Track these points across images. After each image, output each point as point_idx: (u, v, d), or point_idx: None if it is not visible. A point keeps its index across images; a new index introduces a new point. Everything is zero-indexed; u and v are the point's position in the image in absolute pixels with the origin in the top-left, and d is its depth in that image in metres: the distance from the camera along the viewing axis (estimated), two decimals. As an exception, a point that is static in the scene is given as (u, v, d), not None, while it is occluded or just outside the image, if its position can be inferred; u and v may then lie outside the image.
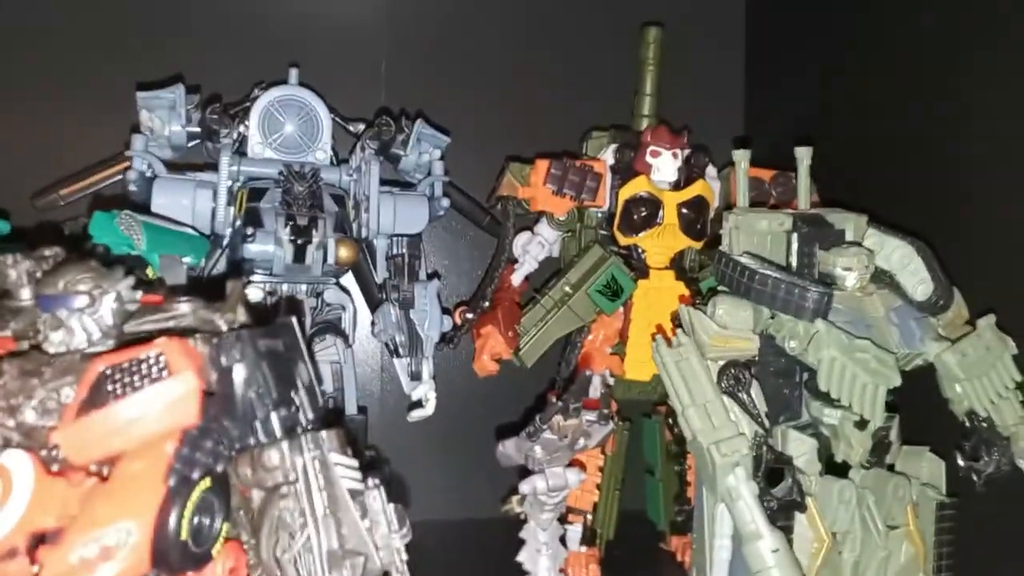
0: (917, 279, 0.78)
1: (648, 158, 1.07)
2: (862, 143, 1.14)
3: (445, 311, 1.01)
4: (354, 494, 0.52)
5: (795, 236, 0.81)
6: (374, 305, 1.00)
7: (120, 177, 0.96)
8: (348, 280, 1.03)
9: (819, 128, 1.22)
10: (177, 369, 0.49)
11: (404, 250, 0.98)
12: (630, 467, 1.17)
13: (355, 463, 0.53)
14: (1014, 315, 0.79)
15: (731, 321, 0.76)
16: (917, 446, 0.84)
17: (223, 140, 0.93)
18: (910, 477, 0.79)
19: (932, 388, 0.81)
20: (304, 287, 0.96)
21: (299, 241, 0.88)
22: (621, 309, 1.07)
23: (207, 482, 0.51)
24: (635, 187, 1.05)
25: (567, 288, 1.06)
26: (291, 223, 0.88)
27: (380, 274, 0.98)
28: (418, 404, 0.97)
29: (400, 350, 0.95)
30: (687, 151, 1.08)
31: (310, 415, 0.53)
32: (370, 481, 0.52)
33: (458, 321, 1.03)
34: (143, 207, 0.88)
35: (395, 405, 1.20)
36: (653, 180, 1.06)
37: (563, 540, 0.94)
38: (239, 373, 0.50)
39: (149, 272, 0.68)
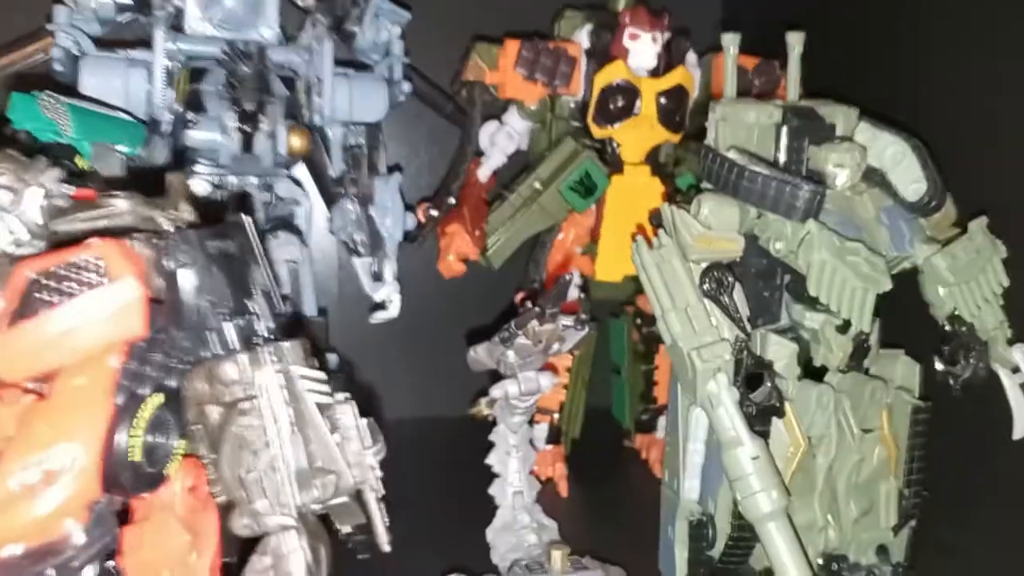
0: (910, 178, 0.74)
1: (626, 42, 1.00)
2: (849, 29, 1.08)
3: (408, 207, 0.95)
4: (322, 408, 0.47)
5: (784, 130, 0.76)
6: (330, 200, 0.93)
7: (42, 55, 0.86)
8: (302, 172, 0.95)
9: (803, 11, 1.16)
10: (118, 274, 0.43)
11: (362, 140, 0.90)
12: (595, 366, 1.16)
13: (321, 375, 0.48)
14: (1007, 215, 0.77)
15: (716, 221, 0.71)
16: (892, 349, 0.82)
17: (156, 13, 0.83)
18: (886, 380, 0.78)
19: (908, 290, 0.79)
20: (254, 179, 0.88)
21: (246, 128, 0.80)
22: (593, 207, 1.03)
23: (159, 398, 0.46)
24: (612, 73, 0.99)
25: (537, 184, 1.01)
26: (237, 108, 0.80)
27: (336, 167, 0.91)
28: (381, 306, 0.93)
29: (361, 249, 0.89)
30: (667, 35, 1.02)
31: (269, 323, 0.49)
32: (340, 395, 0.48)
33: (422, 219, 0.97)
34: (70, 89, 0.79)
35: (354, 305, 1.15)
36: (630, 66, 1.00)
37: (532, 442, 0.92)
38: (188, 279, 0.44)
39: (79, 162, 0.60)
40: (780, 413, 0.72)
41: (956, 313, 0.77)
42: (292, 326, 0.50)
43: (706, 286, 0.71)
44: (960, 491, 0.85)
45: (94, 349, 0.44)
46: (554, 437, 1.10)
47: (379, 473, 0.48)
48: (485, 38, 1.01)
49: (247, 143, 0.81)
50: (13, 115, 0.60)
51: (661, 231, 0.73)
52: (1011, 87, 0.84)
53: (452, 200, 0.97)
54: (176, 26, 0.88)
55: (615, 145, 1.02)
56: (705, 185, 0.77)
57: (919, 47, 0.98)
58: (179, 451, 0.48)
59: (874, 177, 0.76)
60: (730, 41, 0.81)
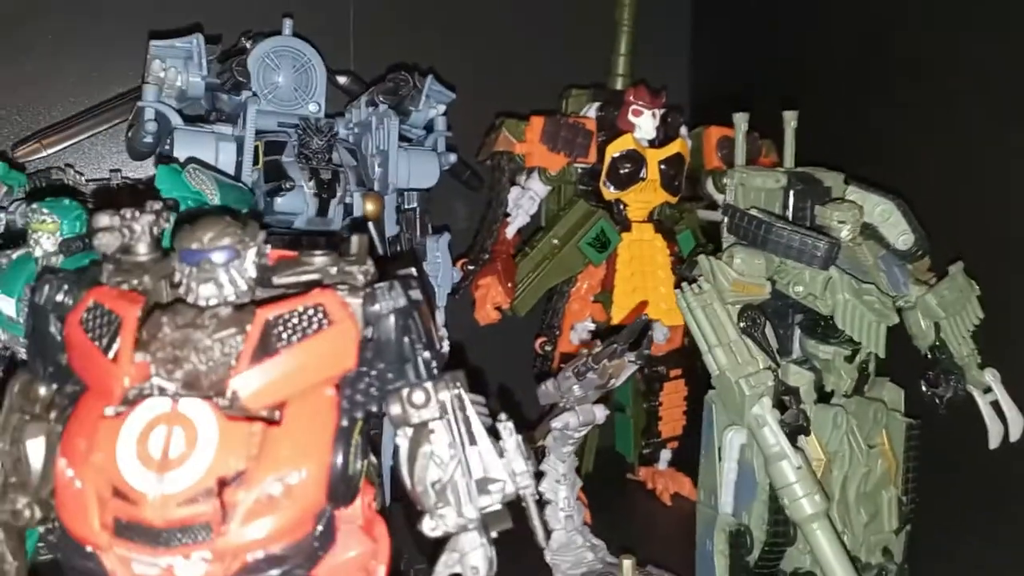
0: (899, 231, 0.89)
1: (631, 117, 1.14)
2: (806, 96, 1.24)
3: (449, 263, 1.05)
4: (487, 426, 0.56)
5: (792, 193, 0.90)
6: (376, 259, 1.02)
7: (118, 122, 0.94)
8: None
9: (757, 88, 1.32)
10: (338, 318, 0.52)
11: (415, 204, 1.00)
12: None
13: (482, 399, 0.57)
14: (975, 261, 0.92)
15: (747, 269, 0.84)
16: (879, 377, 0.96)
17: (244, 92, 0.92)
18: (885, 402, 0.92)
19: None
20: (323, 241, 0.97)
21: (324, 195, 0.89)
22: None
23: (361, 423, 0.54)
24: (622, 144, 1.12)
25: (555, 241, 1.13)
26: (315, 177, 0.89)
27: (390, 228, 1.00)
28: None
29: (415, 303, 0.98)
30: (663, 111, 1.16)
31: (438, 358, 0.58)
32: (502, 415, 0.57)
33: (461, 273, 1.07)
34: (162, 159, 0.87)
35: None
36: (636, 138, 1.13)
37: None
38: (397, 320, 0.53)
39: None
40: (807, 432, 0.84)
41: (937, 343, 0.92)
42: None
43: (743, 324, 0.83)
44: (947, 497, 0.99)
45: (318, 382, 0.52)
46: (570, 473, 1.19)
47: (534, 481, 0.58)
48: (508, 114, 1.13)
49: (323, 208, 0.90)
50: (161, 185, 0.68)
51: (701, 278, 0.85)
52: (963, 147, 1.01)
53: (486, 256, 1.08)
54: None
55: (622, 206, 1.15)
56: (727, 239, 0.91)
57: (880, 112, 1.14)
58: (363, 470, 0.56)
59: (867, 231, 0.91)
60: (740, 119, 0.96)
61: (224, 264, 0.53)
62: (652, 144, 1.15)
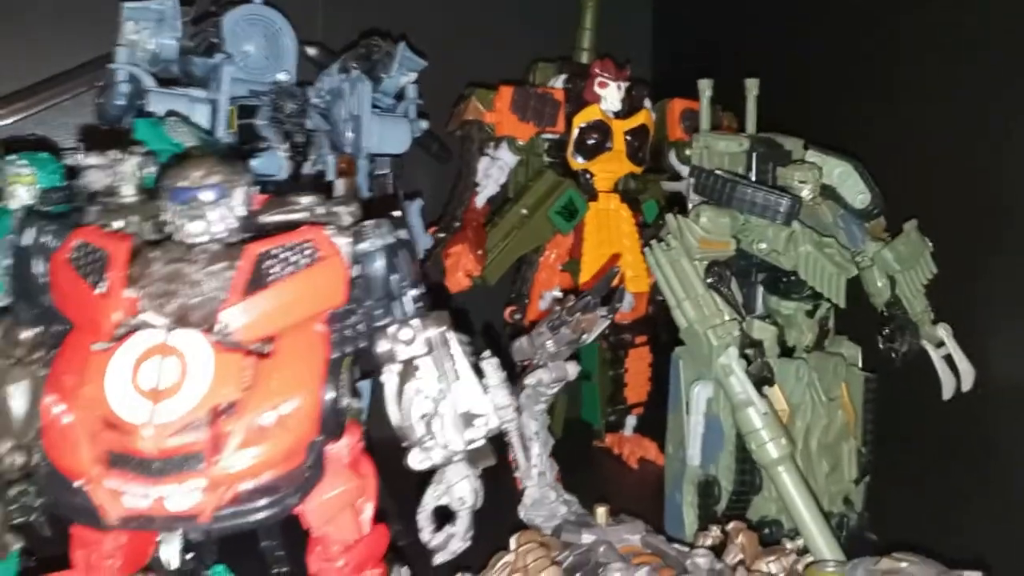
0: (856, 191, 0.93)
1: (596, 88, 1.16)
2: (766, 70, 1.27)
3: (417, 230, 1.06)
4: (471, 364, 0.58)
5: (754, 156, 0.93)
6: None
7: (85, 89, 0.93)
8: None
9: (723, 54, 1.35)
10: (328, 253, 0.53)
11: (387, 169, 1.01)
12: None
13: (467, 337, 0.59)
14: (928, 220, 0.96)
15: (714, 227, 0.87)
16: (838, 335, 1.00)
17: (218, 55, 0.92)
18: (844, 356, 0.95)
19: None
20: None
21: (297, 158, 0.90)
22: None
23: (350, 359, 0.55)
24: (589, 115, 1.14)
25: (524, 211, 1.14)
26: (289, 140, 0.90)
27: (363, 193, 1.01)
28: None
29: (387, 268, 0.99)
30: (628, 83, 1.19)
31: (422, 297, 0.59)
32: (486, 352, 0.59)
33: (432, 240, 1.08)
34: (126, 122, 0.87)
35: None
36: (602, 109, 1.16)
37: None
38: (383, 258, 0.55)
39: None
40: (771, 382, 0.87)
41: (892, 300, 0.95)
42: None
43: (710, 279, 0.86)
44: (904, 447, 1.03)
45: (308, 316, 0.53)
46: (538, 438, 1.21)
47: (516, 416, 0.59)
48: (478, 84, 1.15)
49: (296, 172, 0.91)
50: (141, 137, 0.68)
51: (669, 236, 0.88)
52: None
53: (457, 224, 1.10)
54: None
55: (589, 176, 1.17)
56: (693, 199, 0.93)
57: (838, 81, 1.18)
58: (352, 407, 0.58)
59: (827, 191, 0.94)
60: (705, 85, 0.99)
61: (213, 202, 0.54)
62: (618, 115, 1.18)
